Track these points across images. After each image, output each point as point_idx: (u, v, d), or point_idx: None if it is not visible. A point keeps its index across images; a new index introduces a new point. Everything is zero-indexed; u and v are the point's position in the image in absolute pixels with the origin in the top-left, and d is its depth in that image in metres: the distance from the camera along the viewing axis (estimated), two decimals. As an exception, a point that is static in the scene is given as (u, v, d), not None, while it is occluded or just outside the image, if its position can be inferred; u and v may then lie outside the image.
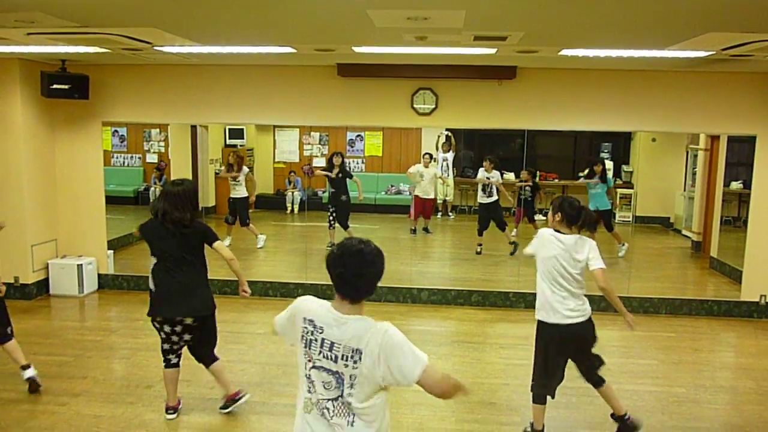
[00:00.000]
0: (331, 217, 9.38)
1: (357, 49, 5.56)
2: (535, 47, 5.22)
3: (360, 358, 2.24)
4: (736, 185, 10.12)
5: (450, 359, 5.68)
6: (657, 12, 3.75)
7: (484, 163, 9.33)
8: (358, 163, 12.55)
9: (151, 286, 4.23)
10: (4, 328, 4.79)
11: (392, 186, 12.31)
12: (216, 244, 4.22)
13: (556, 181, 12.07)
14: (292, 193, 11.98)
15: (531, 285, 7.25)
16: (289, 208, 11.96)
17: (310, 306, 2.39)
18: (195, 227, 4.15)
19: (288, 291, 7.43)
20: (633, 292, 7.20)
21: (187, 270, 4.15)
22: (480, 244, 9.35)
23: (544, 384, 4.08)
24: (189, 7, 3.90)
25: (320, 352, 2.31)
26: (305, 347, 2.35)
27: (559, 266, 3.90)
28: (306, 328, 2.35)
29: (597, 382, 4.12)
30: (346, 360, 2.26)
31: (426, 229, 10.52)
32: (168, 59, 6.54)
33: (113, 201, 8.74)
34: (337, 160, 9.31)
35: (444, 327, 6.69)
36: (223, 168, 9.74)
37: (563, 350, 3.99)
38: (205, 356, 4.44)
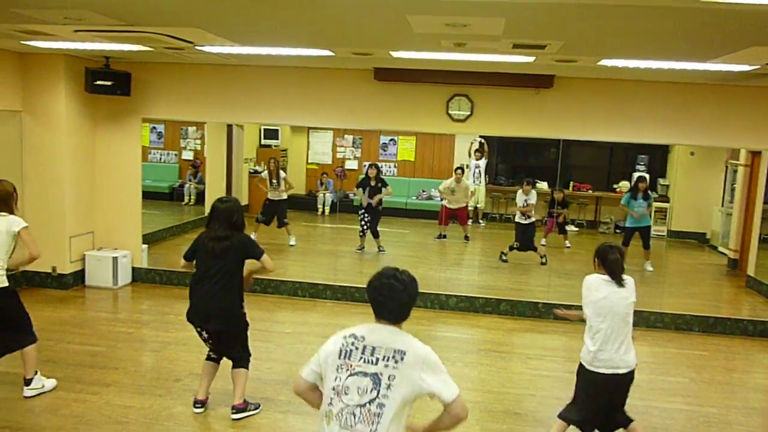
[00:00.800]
0: (363, 224, 9.44)
1: (394, 54, 5.59)
2: (574, 56, 5.19)
3: (403, 358, 2.40)
4: (776, 202, 9.89)
5: (476, 367, 5.66)
6: (700, 24, 3.70)
7: (524, 187, 9.28)
8: (390, 168, 12.59)
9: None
10: (30, 328, 4.59)
11: (423, 191, 12.32)
12: (264, 257, 4.31)
13: (590, 192, 11.94)
14: (324, 194, 12.06)
15: (561, 296, 7.22)
16: (320, 210, 12.05)
17: (347, 329, 2.55)
18: (236, 240, 4.24)
19: (317, 292, 7.48)
20: (665, 308, 7.08)
21: (218, 285, 4.23)
22: (505, 253, 9.32)
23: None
24: (231, 9, 3.97)
25: (361, 357, 2.44)
26: (344, 358, 2.47)
27: None
28: (346, 342, 2.50)
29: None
30: (388, 360, 2.41)
31: (466, 237, 10.50)
32: (208, 59, 6.66)
33: (149, 196, 8.92)
34: (372, 173, 9.44)
35: (471, 335, 6.66)
36: (264, 174, 9.84)
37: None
38: (231, 358, 4.52)
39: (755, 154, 9.10)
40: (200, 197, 11.10)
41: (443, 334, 6.62)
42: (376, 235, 9.48)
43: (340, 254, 8.93)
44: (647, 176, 9.79)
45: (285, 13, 4.00)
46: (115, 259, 7.51)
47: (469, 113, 7.02)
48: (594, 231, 12.07)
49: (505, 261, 9.29)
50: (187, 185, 11.45)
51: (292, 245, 9.66)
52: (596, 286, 3.84)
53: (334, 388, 2.44)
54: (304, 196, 12.45)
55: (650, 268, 9.04)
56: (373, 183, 9.41)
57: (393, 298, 2.49)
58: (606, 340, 3.74)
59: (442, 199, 10.49)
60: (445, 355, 5.78)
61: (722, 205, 10.65)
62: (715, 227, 10.97)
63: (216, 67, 7.26)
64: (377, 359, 2.41)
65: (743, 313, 7.82)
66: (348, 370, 2.43)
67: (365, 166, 11.69)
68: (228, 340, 4.41)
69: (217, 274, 4.21)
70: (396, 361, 2.39)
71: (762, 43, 4.13)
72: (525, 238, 9.25)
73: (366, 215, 9.43)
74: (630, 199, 9.16)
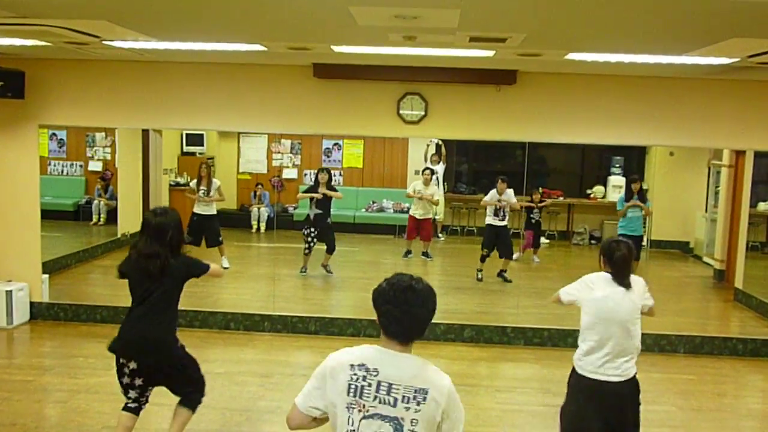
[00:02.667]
0: (310, 242, 9.37)
1: (336, 49, 5.62)
2: (538, 50, 5.32)
3: (425, 398, 2.32)
4: (764, 206, 10.32)
5: (439, 405, 5.69)
6: (675, 14, 3.85)
7: (498, 184, 9.41)
8: (335, 176, 12.60)
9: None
10: None
11: (374, 202, 12.37)
12: (211, 269, 4.41)
13: (561, 198, 12.22)
14: (259, 209, 11.98)
15: (531, 319, 7.35)
16: (255, 227, 11.96)
17: (353, 353, 2.44)
18: (175, 262, 4.18)
19: (253, 324, 7.41)
20: (647, 328, 7.17)
21: (153, 310, 4.19)
22: (480, 270, 9.42)
23: None
24: (145, -1, 3.93)
25: (376, 397, 2.33)
26: (355, 396, 2.35)
27: None
28: (355, 375, 2.37)
29: None
30: (408, 402, 2.31)
31: (425, 254, 10.57)
32: (118, 55, 6.55)
33: (49, 216, 8.70)
34: (323, 178, 9.35)
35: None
36: (192, 183, 9.70)
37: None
38: (178, 394, 4.43)
39: (739, 154, 9.48)
40: (112, 215, 10.88)
41: (400, 368, 6.64)
42: (331, 250, 9.43)
43: (280, 278, 8.87)
44: (616, 176, 10.06)
45: (208, 2, 3.98)
46: (8, 293, 7.27)
47: (423, 114, 7.11)
48: (567, 243, 12.36)
49: (481, 280, 9.39)
50: (95, 202, 11.20)
51: (226, 268, 9.54)
52: (596, 283, 3.89)
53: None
54: (235, 211, 12.34)
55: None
56: (321, 190, 9.30)
57: (410, 313, 2.36)
58: (600, 348, 3.83)
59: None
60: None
61: (706, 211, 11.05)
62: (699, 235, 11.37)
63: (128, 64, 7.15)
64: (395, 400, 2.31)
65: (732, 330, 8.12)
66: (361, 411, 2.34)
67: (307, 173, 11.67)
68: (168, 376, 4.32)
69: (151, 298, 4.16)
70: (418, 403, 2.31)
71: (742, 35, 4.32)
72: (500, 243, 9.37)
73: (313, 230, 9.35)
74: (624, 202, 9.32)
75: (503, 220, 9.38)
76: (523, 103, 7.02)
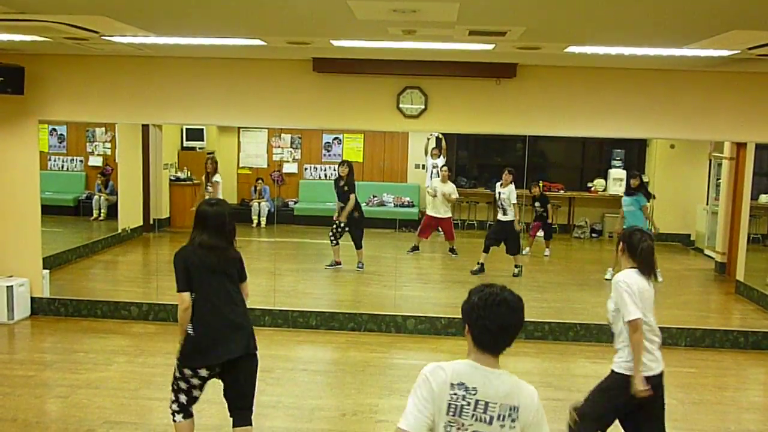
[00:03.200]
0: (336, 233, 9.40)
1: (335, 43, 5.61)
2: (537, 43, 5.31)
3: (518, 417, 2.35)
4: (765, 198, 10.32)
5: (440, 398, 5.70)
6: (675, 6, 3.85)
7: (504, 176, 9.37)
8: (334, 170, 12.59)
9: (190, 330, 4.00)
10: None
11: (374, 196, 12.36)
12: (246, 283, 4.20)
13: (562, 192, 12.22)
14: (259, 203, 11.98)
15: (532, 312, 7.34)
16: (255, 221, 11.96)
17: (450, 370, 2.40)
18: (235, 252, 4.10)
19: (253, 318, 7.34)
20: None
21: (232, 303, 4.06)
22: (481, 263, 9.41)
23: None
24: (143, -6, 3.93)
25: (473, 415, 2.34)
26: (454, 415, 2.35)
27: None
28: (455, 394, 2.36)
29: None
30: (503, 420, 2.34)
31: (452, 250, 10.52)
32: (117, 50, 6.54)
33: (50, 211, 8.70)
34: (342, 171, 9.34)
35: (432, 360, 6.69)
36: (201, 179, 9.70)
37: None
38: (240, 407, 4.19)
39: (740, 146, 9.48)
40: (112, 210, 10.89)
41: (400, 362, 6.65)
42: (358, 246, 9.46)
43: (280, 273, 8.88)
44: (618, 169, 10.05)
45: (206, -2, 3.98)
46: (9, 288, 7.28)
47: (422, 108, 7.10)
48: (568, 236, 12.36)
49: (477, 272, 9.39)
50: (96, 197, 11.21)
51: None
52: (635, 285, 3.85)
53: None
54: (235, 206, 12.34)
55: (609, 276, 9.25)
56: (342, 183, 9.31)
57: (504, 326, 2.37)
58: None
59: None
60: (402, 386, 5.82)
61: (707, 203, 11.06)
62: (700, 228, 11.37)
63: (128, 59, 7.14)
64: (491, 418, 2.34)
65: (733, 323, 8.13)
66: (459, 429, 2.34)
67: (307, 167, 11.70)
68: (249, 375, 4.14)
69: (226, 292, 4.00)
70: (513, 420, 2.34)
71: (743, 27, 4.31)
72: (506, 240, 9.36)
73: (339, 223, 9.38)
74: (626, 197, 9.31)
75: (505, 215, 9.36)
76: (523, 97, 7.01)
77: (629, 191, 9.25)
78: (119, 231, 10.59)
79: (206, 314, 3.96)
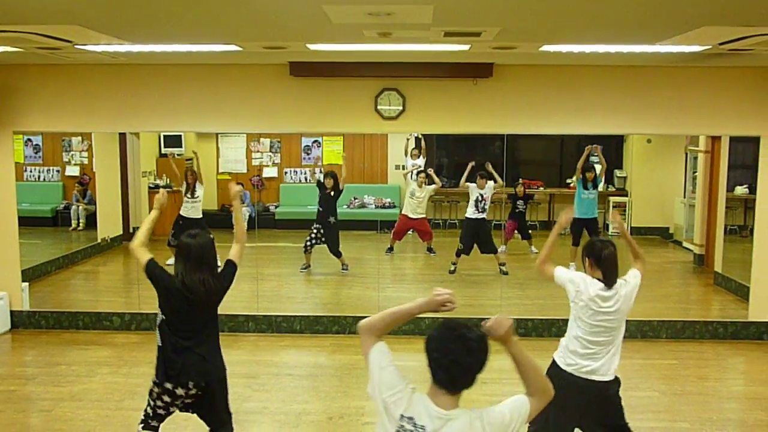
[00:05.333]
0: (311, 238, 9.43)
1: (312, 47, 5.62)
2: (512, 43, 5.35)
3: None
4: (741, 190, 10.47)
5: (426, 399, 5.72)
6: (646, 4, 3.90)
7: (477, 181, 9.41)
8: (315, 174, 12.60)
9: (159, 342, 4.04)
10: None
11: (355, 198, 12.36)
12: (235, 260, 4.17)
13: (542, 189, 12.29)
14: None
15: (515, 310, 7.40)
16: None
17: (411, 400, 2.38)
18: (218, 283, 4.04)
19: (237, 324, 7.40)
20: (629, 315, 7.31)
21: (209, 339, 4.09)
22: (454, 263, 9.45)
23: None
24: (117, 2, 3.90)
25: None
26: None
27: None
28: (403, 426, 2.33)
29: None
30: None
31: (430, 249, 10.56)
32: (91, 59, 6.50)
33: (27, 222, 8.61)
34: (329, 183, 9.42)
35: (418, 361, 6.65)
36: (182, 188, 9.70)
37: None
38: (215, 425, 4.24)
39: (715, 140, 9.60)
40: (91, 220, 10.79)
41: (386, 363, 6.66)
42: (338, 254, 9.50)
43: (263, 278, 8.85)
44: (596, 165, 10.17)
45: (179, 3, 3.96)
46: (-11, 302, 7.21)
47: (400, 109, 7.12)
48: (548, 232, 12.40)
49: (452, 272, 9.43)
50: (74, 207, 11.11)
51: None
52: (589, 288, 3.94)
53: None
54: (216, 212, 12.28)
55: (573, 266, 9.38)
56: (327, 191, 9.42)
57: (459, 363, 2.29)
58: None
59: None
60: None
61: (684, 197, 11.18)
62: (678, 221, 11.50)
63: (102, 68, 7.10)
64: None
65: (713, 314, 8.23)
66: None
67: (287, 171, 11.67)
68: (213, 399, 4.16)
69: (206, 327, 4.04)
70: None
71: (713, 23, 4.38)
72: (479, 239, 9.39)
73: (318, 226, 9.42)
74: (583, 189, 9.56)
75: (483, 212, 9.40)
76: (501, 96, 7.06)
77: (587, 183, 9.52)
78: (99, 241, 10.50)
79: (168, 343, 3.98)
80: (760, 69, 6.88)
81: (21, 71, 7.12)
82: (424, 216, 10.29)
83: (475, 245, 9.43)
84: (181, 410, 4.17)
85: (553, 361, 4.04)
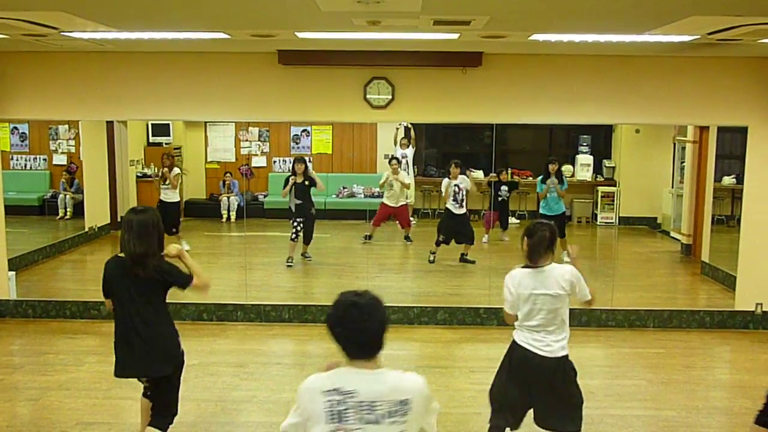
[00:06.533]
0: (295, 230, 9.42)
1: (300, 35, 5.59)
2: (502, 32, 5.34)
3: (409, 409, 2.34)
4: (728, 180, 10.53)
5: (414, 387, 5.74)
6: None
7: (451, 169, 9.38)
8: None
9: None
10: None
11: (344, 188, 12.36)
12: (194, 283, 4.08)
13: (531, 178, 12.31)
14: (228, 198, 11.91)
15: (502, 300, 7.40)
16: (225, 216, 11.89)
17: (323, 378, 2.41)
18: (162, 263, 4.01)
19: (225, 314, 7.39)
20: (617, 304, 7.41)
21: (151, 319, 4.04)
22: (433, 253, 9.47)
23: None
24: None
25: (359, 418, 2.31)
26: (336, 422, 2.33)
27: None
28: (331, 401, 2.34)
29: None
30: (393, 416, 2.32)
31: (407, 238, 10.59)
32: (78, 46, 6.44)
33: (14, 211, 8.54)
34: (299, 168, 9.34)
35: (406, 350, 6.75)
36: (158, 173, 9.86)
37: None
38: (157, 411, 4.24)
39: (703, 130, 9.64)
40: (78, 209, 10.74)
41: (375, 352, 6.68)
42: (307, 240, 9.49)
43: (252, 267, 8.85)
44: (585, 155, 10.16)
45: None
46: (-25, 291, 7.17)
47: (390, 98, 7.11)
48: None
49: (432, 262, 9.44)
50: (61, 195, 11.04)
51: (187, 250, 9.56)
52: (520, 283, 4.07)
53: None
54: (204, 201, 12.25)
55: (567, 258, 9.41)
56: (299, 180, 9.33)
57: (361, 329, 2.36)
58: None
59: (378, 194, 10.52)
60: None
61: (672, 187, 11.24)
62: (666, 211, 11.57)
63: (89, 55, 7.04)
64: (379, 417, 2.31)
65: (699, 303, 8.29)
66: None
67: (276, 161, 11.63)
68: (167, 387, 4.18)
69: (146, 305, 3.99)
70: (404, 414, 2.33)
71: (701, 12, 4.39)
72: (459, 230, 9.40)
73: (299, 219, 9.39)
74: (542, 184, 9.51)
75: (461, 207, 9.37)
76: (490, 85, 7.06)
77: (548, 176, 9.45)
78: (86, 230, 10.44)
79: (120, 326, 4.04)
80: (748, 59, 6.91)
81: (7, 58, 7.06)
82: (405, 203, 10.31)
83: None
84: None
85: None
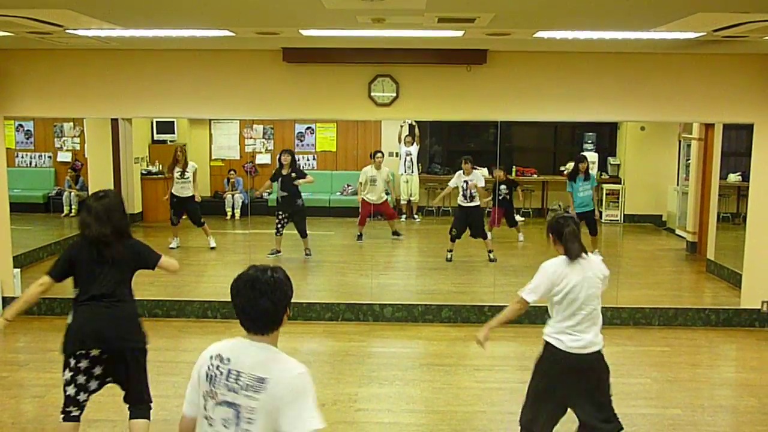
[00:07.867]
0: (279, 223, 9.42)
1: (305, 33, 5.59)
2: (507, 29, 5.33)
3: (263, 387, 2.34)
4: (734, 177, 10.48)
5: (418, 385, 5.75)
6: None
7: (463, 165, 9.39)
8: (308, 160, 12.58)
9: (69, 320, 4.10)
10: None
11: (348, 185, 12.35)
12: (162, 262, 4.17)
13: (535, 176, 12.30)
14: (233, 195, 11.91)
15: (508, 297, 7.37)
16: (229, 213, 11.90)
17: (218, 345, 2.52)
18: (127, 247, 4.05)
19: (230, 311, 7.33)
20: (622, 302, 7.39)
21: (115, 298, 4.05)
22: (450, 250, 9.46)
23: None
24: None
25: (226, 385, 2.40)
26: (209, 384, 2.43)
27: None
28: (212, 364, 2.45)
29: None
30: (247, 390, 2.36)
31: (396, 233, 10.59)
32: (83, 43, 6.45)
33: (19, 208, 8.59)
34: (285, 159, 9.33)
35: (411, 348, 6.75)
36: (173, 167, 10.05)
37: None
38: (133, 401, 4.26)
39: (708, 127, 9.60)
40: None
41: (379, 350, 6.68)
42: (303, 235, 9.48)
43: (256, 264, 8.85)
44: (587, 155, 10.15)
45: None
46: (-20, 288, 7.19)
47: (394, 95, 7.10)
48: (542, 220, 12.43)
49: (450, 260, 9.43)
50: (66, 193, 11.07)
51: (212, 247, 9.98)
52: (558, 274, 4.04)
53: (206, 418, 2.44)
54: (209, 199, 12.26)
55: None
56: (285, 172, 9.31)
57: (253, 305, 2.42)
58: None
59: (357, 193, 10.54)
60: (381, 374, 5.85)
61: (677, 184, 11.20)
62: (671, 208, 11.53)
63: (94, 53, 7.05)
64: (239, 387, 2.36)
65: (705, 301, 8.27)
66: (213, 398, 2.41)
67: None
68: (131, 368, 4.14)
69: (111, 287, 3.99)
70: (255, 391, 2.34)
71: (707, 9, 4.37)
72: (465, 224, 9.40)
73: (281, 213, 9.40)
74: (571, 183, 9.50)
75: (471, 201, 9.38)
76: (494, 82, 7.05)
77: (577, 176, 9.44)
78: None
79: (84, 307, 4.04)
80: (754, 56, 6.88)
81: (12, 56, 7.07)
82: (385, 199, 10.32)
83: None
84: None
85: None
